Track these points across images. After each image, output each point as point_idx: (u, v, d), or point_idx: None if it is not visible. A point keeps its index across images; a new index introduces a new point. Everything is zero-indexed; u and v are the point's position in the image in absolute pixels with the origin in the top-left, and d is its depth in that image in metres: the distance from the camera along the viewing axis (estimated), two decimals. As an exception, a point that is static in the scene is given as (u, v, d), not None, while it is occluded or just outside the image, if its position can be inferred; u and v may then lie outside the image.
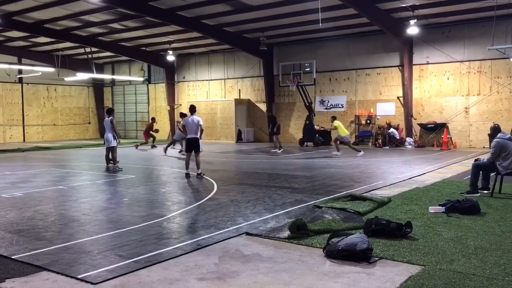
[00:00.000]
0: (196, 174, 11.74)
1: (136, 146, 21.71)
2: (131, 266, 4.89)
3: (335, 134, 18.35)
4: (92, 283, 4.42)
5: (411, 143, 20.68)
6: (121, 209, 7.97)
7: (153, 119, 23.80)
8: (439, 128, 20.38)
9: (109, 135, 13.66)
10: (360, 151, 17.29)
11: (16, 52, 27.02)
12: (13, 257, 5.22)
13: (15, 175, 12.60)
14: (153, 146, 21.84)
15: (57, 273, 4.70)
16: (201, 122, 11.85)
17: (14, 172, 13.21)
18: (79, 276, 4.59)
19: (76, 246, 5.69)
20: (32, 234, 6.26)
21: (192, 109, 12.11)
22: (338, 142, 17.78)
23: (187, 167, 11.96)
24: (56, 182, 11.20)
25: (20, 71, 27.56)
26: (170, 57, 26.15)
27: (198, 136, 11.81)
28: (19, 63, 27.42)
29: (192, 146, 11.87)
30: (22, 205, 8.30)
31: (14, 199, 8.88)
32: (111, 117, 13.86)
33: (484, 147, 18.86)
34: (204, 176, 11.72)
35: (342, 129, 17.58)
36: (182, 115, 16.42)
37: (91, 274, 4.65)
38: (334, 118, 18.20)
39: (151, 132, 22.67)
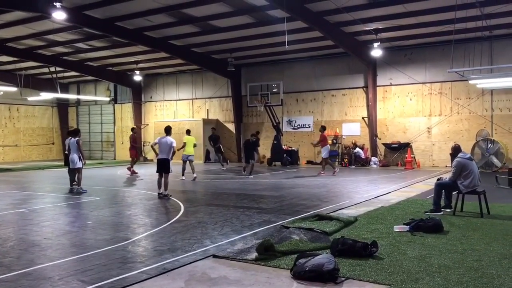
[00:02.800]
0: (161, 194, 11.72)
1: (130, 169, 18.54)
2: (93, 292, 4.74)
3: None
4: (52, 311, 4.26)
5: (376, 162, 21.07)
6: (84, 233, 7.75)
7: (134, 129, 20.31)
8: (403, 147, 20.86)
9: (74, 156, 13.32)
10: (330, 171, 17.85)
11: (-23, 71, 26.28)
12: (-32, 285, 4.99)
13: (-28, 198, 12.10)
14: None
15: (15, 301, 4.51)
16: (174, 144, 11.85)
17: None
18: (38, 304, 4.41)
19: (36, 272, 5.49)
20: (-11, 260, 6.00)
21: (168, 130, 12.17)
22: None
23: (159, 187, 11.86)
24: (16, 205, 10.80)
25: (-20, 91, 26.74)
26: (137, 77, 25.97)
27: (168, 158, 11.80)
28: (-20, 82, 26.63)
29: (161, 166, 11.81)
30: (-20, 230, 7.97)
31: (-30, 224, 8.51)
32: (77, 138, 13.51)
33: (446, 166, 19.38)
34: (170, 197, 11.56)
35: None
36: (133, 130, 16.17)
37: (51, 301, 4.48)
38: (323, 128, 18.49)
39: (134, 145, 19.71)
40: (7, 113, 28.60)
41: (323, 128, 18.39)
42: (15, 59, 23.59)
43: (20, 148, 29.24)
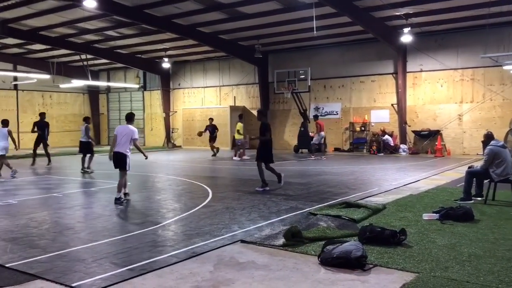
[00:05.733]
0: (116, 197, 9.16)
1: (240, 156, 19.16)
2: (125, 274, 4.88)
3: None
4: (86, 291, 4.42)
5: (405, 150, 20.77)
6: (116, 217, 7.96)
7: (211, 119, 21.92)
8: (433, 135, 20.49)
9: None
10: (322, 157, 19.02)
11: (12, 59, 26.97)
12: (7, 265, 5.20)
13: (9, 182, 12.54)
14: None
15: (51, 281, 4.69)
16: (135, 136, 9.28)
17: (8, 179, 13.15)
18: (73, 285, 4.58)
19: (70, 254, 5.68)
20: (26, 242, 6.23)
21: (128, 117, 9.77)
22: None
23: (118, 190, 9.20)
24: (50, 189, 11.16)
25: (15, 78, 27.49)
26: (166, 64, 26.19)
27: (125, 152, 9.18)
28: (14, 70, 27.36)
29: (116, 162, 9.26)
30: (16, 212, 8.27)
31: (8, 207, 8.85)
32: (86, 125, 14.88)
33: (477, 154, 18.96)
34: (126, 201, 9.23)
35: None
36: (86, 119, 15.68)
37: (85, 282, 4.64)
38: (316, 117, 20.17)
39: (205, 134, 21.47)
40: (40, 100, 29.35)
41: (316, 117, 20.28)
42: (48, 47, 24.14)
43: (53, 134, 29.84)
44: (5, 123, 14.13)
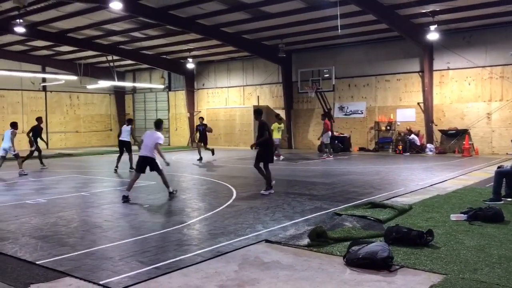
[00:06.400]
0: (169, 192, 9.94)
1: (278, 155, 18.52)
2: (152, 272, 4.94)
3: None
4: (114, 289, 4.49)
5: (432, 149, 20.43)
6: (142, 216, 8.07)
7: (202, 119, 20.40)
8: (460, 134, 20.09)
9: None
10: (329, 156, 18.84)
11: (40, 61, 27.63)
12: (37, 262, 5.33)
13: (38, 182, 12.85)
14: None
15: (80, 279, 4.78)
16: (159, 141, 9.79)
17: (37, 179, 13.48)
18: (101, 282, 4.66)
19: (98, 252, 5.78)
20: (56, 240, 6.38)
21: (157, 124, 10.42)
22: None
23: (167, 186, 9.98)
24: (78, 189, 11.39)
25: (44, 80, 28.15)
26: (190, 65, 26.42)
27: (153, 156, 9.72)
28: (43, 71, 28.01)
29: (144, 165, 9.79)
30: (46, 211, 8.47)
31: (38, 205, 9.06)
32: (130, 126, 15.16)
33: (507, 153, 18.52)
34: (175, 192, 9.94)
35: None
36: (130, 120, 15.83)
37: (113, 280, 4.72)
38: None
39: None
40: (68, 100, 29.97)
41: (324, 116, 19.97)
42: (75, 48, 24.65)
43: (80, 134, 30.62)
44: (13, 125, 14.59)
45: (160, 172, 9.82)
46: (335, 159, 18.64)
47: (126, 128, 15.11)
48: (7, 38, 22.68)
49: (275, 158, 17.95)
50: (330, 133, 19.67)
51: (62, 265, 5.20)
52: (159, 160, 9.81)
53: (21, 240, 6.38)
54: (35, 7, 17.56)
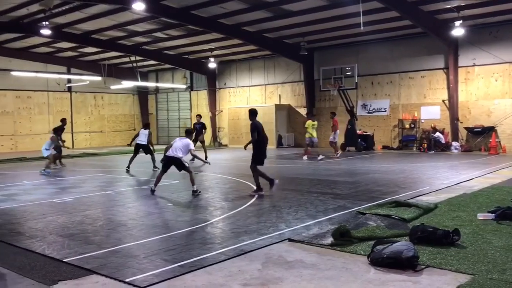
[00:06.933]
0: (192, 190, 10.21)
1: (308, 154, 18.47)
2: (176, 270, 4.98)
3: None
4: (139, 287, 4.54)
5: (457, 147, 20.06)
6: (166, 214, 8.15)
7: (199, 116, 19.57)
8: (486, 131, 19.66)
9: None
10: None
11: (66, 62, 28.14)
12: (64, 260, 5.43)
13: (65, 181, 13.11)
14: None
15: (106, 276, 4.86)
16: (191, 147, 10.46)
17: (63, 178, 13.75)
18: (126, 280, 4.72)
19: (123, 250, 5.86)
20: (82, 238, 6.49)
21: (187, 131, 11.27)
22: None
23: (193, 184, 10.32)
24: (103, 187, 11.57)
25: (69, 80, 28.69)
26: (212, 64, 26.54)
27: (179, 157, 10.32)
28: (68, 72, 28.54)
29: (169, 164, 10.47)
30: (72, 209, 8.63)
31: (64, 204, 9.24)
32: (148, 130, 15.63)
33: (536, 151, 18.05)
34: (199, 192, 10.17)
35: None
36: (147, 125, 15.99)
37: (138, 278, 4.78)
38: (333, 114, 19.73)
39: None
40: (92, 101, 30.46)
41: (334, 114, 19.71)
42: (99, 49, 25.02)
43: (104, 134, 31.09)
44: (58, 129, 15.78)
45: (188, 170, 10.34)
46: (358, 157, 18.45)
47: (144, 132, 15.49)
48: (33, 40, 23.17)
49: (305, 157, 17.89)
50: (338, 131, 19.58)
51: (88, 263, 5.28)
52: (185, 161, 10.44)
53: (49, 238, 6.51)
54: (60, 9, 17.91)
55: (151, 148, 15.47)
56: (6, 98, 25.96)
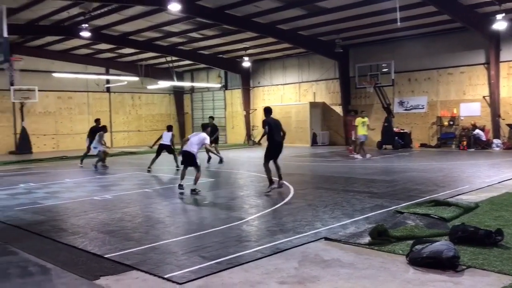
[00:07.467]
0: (191, 189, 10.21)
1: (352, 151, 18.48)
2: (213, 267, 5.05)
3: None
4: (178, 283, 4.63)
5: (499, 145, 19.41)
6: (202, 212, 8.26)
7: (212, 118, 18.90)
8: (531, 128, 18.95)
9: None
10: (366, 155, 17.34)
11: (104, 63, 28.87)
12: (105, 256, 5.59)
13: (105, 179, 13.47)
14: None
15: (146, 272, 4.97)
16: (206, 141, 10.59)
17: (104, 176, 14.13)
18: (165, 276, 4.82)
19: (162, 246, 5.98)
20: (122, 234, 6.66)
21: (203, 126, 11.93)
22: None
23: (195, 182, 10.31)
24: (141, 185, 11.81)
25: (107, 81, 29.41)
26: (246, 63, 26.62)
27: (193, 152, 10.30)
28: (107, 73, 29.27)
29: (185, 159, 10.50)
30: (112, 207, 8.86)
31: (105, 201, 9.50)
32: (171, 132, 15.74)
33: None
34: (198, 191, 10.11)
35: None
36: (170, 127, 16.13)
37: (176, 274, 4.87)
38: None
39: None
40: (130, 101, 31.12)
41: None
42: (136, 50, 25.56)
43: (142, 133, 31.72)
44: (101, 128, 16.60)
45: (197, 169, 10.36)
46: (395, 155, 18.12)
47: (167, 134, 15.73)
48: (73, 42, 23.87)
49: (358, 156, 17.08)
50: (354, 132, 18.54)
51: (128, 259, 5.42)
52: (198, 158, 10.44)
53: (90, 235, 6.72)
54: (99, 11, 18.40)
55: (173, 148, 15.79)
56: (48, 98, 26.84)
